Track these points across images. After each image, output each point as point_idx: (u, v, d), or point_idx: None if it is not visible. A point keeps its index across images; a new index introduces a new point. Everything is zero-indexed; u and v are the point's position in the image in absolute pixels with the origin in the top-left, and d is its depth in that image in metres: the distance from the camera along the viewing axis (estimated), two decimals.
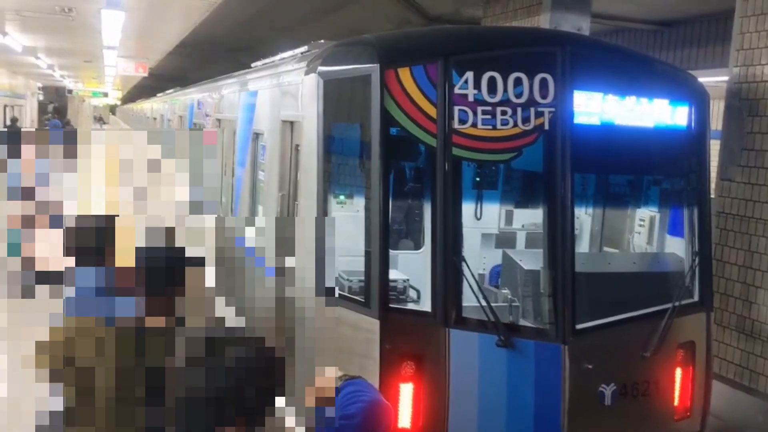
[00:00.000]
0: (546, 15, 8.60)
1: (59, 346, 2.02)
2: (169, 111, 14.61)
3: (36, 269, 3.36)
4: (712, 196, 5.58)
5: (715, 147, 5.76)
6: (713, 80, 12.17)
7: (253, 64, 7.90)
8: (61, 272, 2.98)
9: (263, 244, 1.97)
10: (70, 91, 38.24)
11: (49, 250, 3.34)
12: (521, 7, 9.02)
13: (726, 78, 6.57)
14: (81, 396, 1.90)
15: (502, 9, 9.42)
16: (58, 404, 2.05)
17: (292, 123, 5.39)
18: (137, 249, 2.05)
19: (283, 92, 5.75)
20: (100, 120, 51.02)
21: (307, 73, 4.95)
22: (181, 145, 2.38)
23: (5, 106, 27.44)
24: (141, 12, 11.56)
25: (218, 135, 3.72)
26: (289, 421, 1.81)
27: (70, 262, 2.57)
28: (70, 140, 2.83)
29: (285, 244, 2.00)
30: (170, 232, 2.15)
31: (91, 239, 2.15)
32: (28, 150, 3.51)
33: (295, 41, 16.35)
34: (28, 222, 3.45)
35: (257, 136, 6.55)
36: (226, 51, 19.80)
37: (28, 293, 3.49)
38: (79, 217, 2.24)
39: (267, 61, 7.32)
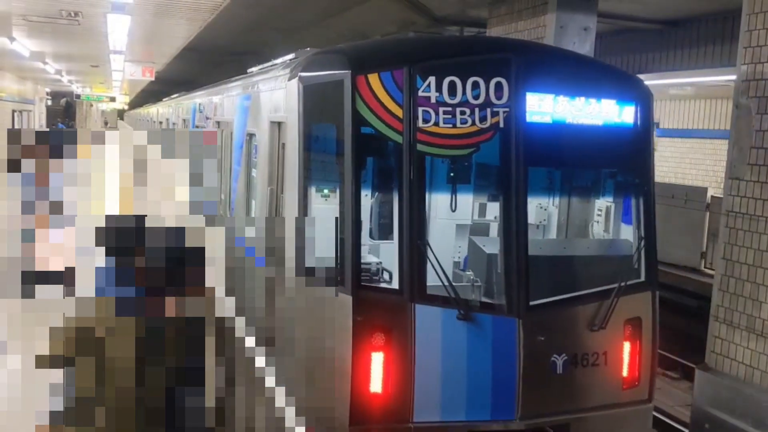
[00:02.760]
0: (552, 15, 8.57)
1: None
2: (173, 115, 15.18)
3: (36, 269, 3.35)
4: (719, 195, 5.74)
5: (723, 146, 5.76)
6: (721, 79, 12.13)
7: (249, 70, 8.30)
8: (61, 272, 2.99)
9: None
10: (78, 96, 38.40)
11: (50, 250, 3.34)
12: (526, 7, 8.99)
13: (734, 77, 6.52)
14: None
15: (507, 10, 9.38)
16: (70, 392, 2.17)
17: (279, 123, 5.88)
18: (152, 249, 2.19)
19: (272, 96, 6.21)
20: (107, 125, 51.25)
21: (290, 78, 5.53)
22: (181, 145, 2.46)
23: (14, 111, 27.57)
24: (146, 16, 11.58)
25: (218, 135, 3.90)
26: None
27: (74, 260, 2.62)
28: (69, 141, 2.85)
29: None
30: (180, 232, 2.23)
31: (131, 239, 2.25)
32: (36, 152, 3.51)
33: (300, 44, 16.33)
34: (38, 222, 3.45)
35: (251, 136, 7.07)
36: (232, 54, 19.83)
37: (28, 293, 3.47)
38: (118, 218, 2.33)
39: (261, 66, 7.77)
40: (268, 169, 6.11)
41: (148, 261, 2.09)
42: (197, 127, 10.55)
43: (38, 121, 33.91)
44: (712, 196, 12.75)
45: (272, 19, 14.04)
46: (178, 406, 2.06)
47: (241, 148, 7.46)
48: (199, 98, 11.50)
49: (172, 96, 19.20)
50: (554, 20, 8.54)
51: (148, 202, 2.43)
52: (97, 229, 2.19)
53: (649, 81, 14.30)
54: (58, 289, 3.10)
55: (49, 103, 38.23)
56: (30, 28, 13.50)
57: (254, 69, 8.07)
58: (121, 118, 55.39)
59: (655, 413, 8.46)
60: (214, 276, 2.20)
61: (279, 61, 7.04)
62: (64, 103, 36.58)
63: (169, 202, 2.45)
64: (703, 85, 14.12)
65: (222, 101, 9.10)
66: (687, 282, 12.55)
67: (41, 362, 2.16)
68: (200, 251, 2.15)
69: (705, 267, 12.52)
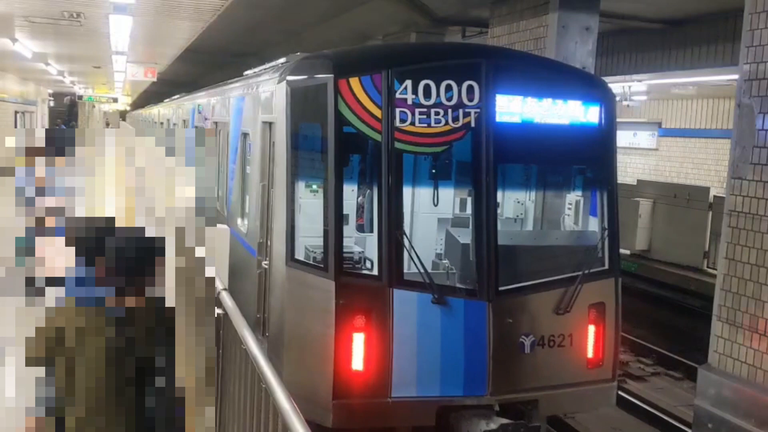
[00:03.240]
0: (554, 15, 8.56)
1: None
2: (174, 116, 15.52)
3: (45, 269, 3.39)
4: (722, 194, 5.79)
5: (726, 146, 5.78)
6: (723, 79, 12.12)
7: (245, 73, 8.61)
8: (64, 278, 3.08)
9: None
10: (80, 97, 38.40)
11: (56, 254, 3.36)
12: (528, 7, 8.98)
13: (736, 76, 6.51)
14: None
15: (509, 9, 9.38)
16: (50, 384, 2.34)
17: (270, 123, 6.21)
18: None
19: (263, 98, 6.58)
20: (108, 126, 51.31)
21: (279, 81, 5.90)
22: (179, 143, 2.57)
23: (16, 113, 27.60)
24: (148, 17, 11.59)
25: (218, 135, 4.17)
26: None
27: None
28: (69, 142, 2.88)
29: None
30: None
31: (97, 241, 2.44)
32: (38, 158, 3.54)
33: (302, 45, 16.39)
34: (40, 226, 3.47)
35: (245, 136, 7.42)
36: (233, 56, 19.84)
37: (39, 295, 3.49)
38: (87, 219, 2.48)
39: (255, 70, 8.11)
40: (260, 166, 6.45)
41: (109, 261, 2.30)
42: (196, 127, 11.02)
43: (40, 122, 33.96)
44: (714, 196, 12.75)
45: (273, 20, 14.04)
46: (147, 394, 2.29)
47: (237, 147, 7.81)
48: (198, 99, 11.79)
49: (173, 97, 19.62)
50: (556, 20, 8.54)
51: (149, 200, 2.54)
52: (67, 229, 2.39)
53: (652, 81, 14.34)
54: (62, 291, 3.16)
55: (52, 104, 38.28)
56: (32, 30, 13.51)
57: (249, 72, 8.36)
58: (123, 119, 55.45)
59: (658, 413, 8.48)
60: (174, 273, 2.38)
61: (271, 64, 7.37)
62: (68, 102, 36.63)
63: (172, 201, 2.55)
64: (705, 85, 14.11)
65: (219, 102, 9.43)
66: (690, 282, 12.54)
67: (29, 362, 2.35)
68: (162, 249, 2.34)
69: (708, 267, 12.51)
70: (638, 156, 19.25)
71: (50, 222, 3.55)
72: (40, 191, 3.17)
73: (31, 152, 3.63)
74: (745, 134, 6.18)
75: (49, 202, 3.52)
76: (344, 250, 5.40)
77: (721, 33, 10.59)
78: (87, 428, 2.27)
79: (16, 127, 26.16)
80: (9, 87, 26.40)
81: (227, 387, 3.91)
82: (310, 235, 5.66)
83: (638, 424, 8.45)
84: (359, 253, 5.88)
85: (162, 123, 18.92)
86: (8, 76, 25.73)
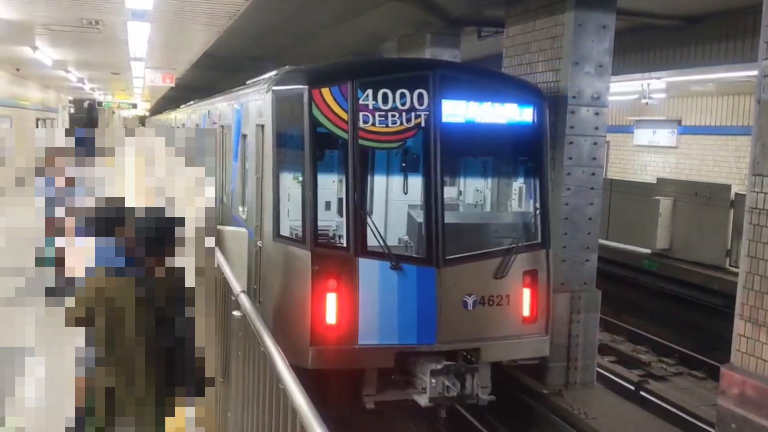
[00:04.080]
0: (570, 13, 8.51)
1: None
2: (188, 120, 16.62)
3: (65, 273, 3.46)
4: (743, 192, 5.79)
5: (747, 142, 5.72)
6: (743, 75, 11.98)
7: (246, 82, 9.62)
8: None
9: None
10: (99, 104, 38.78)
11: (76, 254, 3.43)
12: (543, 5, 8.94)
13: (755, 72, 6.43)
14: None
15: (524, 8, 9.34)
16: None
17: (261, 126, 7.38)
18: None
19: (256, 104, 7.69)
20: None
21: (267, 91, 7.12)
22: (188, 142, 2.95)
23: (37, 120, 27.95)
24: (166, 23, 11.68)
25: (219, 135, 6.59)
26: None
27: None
28: (91, 143, 3.00)
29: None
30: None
31: (113, 221, 2.84)
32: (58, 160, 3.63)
33: (315, 49, 16.43)
34: (59, 230, 3.55)
35: (244, 136, 8.50)
36: (250, 60, 19.94)
37: (59, 295, 3.56)
38: (107, 205, 2.88)
39: (253, 80, 9.14)
40: (255, 162, 7.58)
41: (131, 234, 2.74)
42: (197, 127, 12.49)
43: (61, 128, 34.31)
44: (735, 193, 12.60)
45: (288, 24, 14.12)
46: (177, 348, 2.75)
47: (238, 146, 8.90)
48: (208, 106, 13.07)
49: (189, 103, 20.52)
50: (572, 18, 8.48)
51: (170, 197, 2.87)
52: (87, 217, 2.80)
53: (670, 78, 14.21)
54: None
55: (72, 110, 38.69)
56: (52, 38, 13.68)
57: (249, 81, 9.33)
58: (143, 125, 55.96)
59: (681, 413, 8.40)
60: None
61: (264, 76, 8.30)
62: (86, 107, 37.01)
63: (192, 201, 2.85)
64: (725, 81, 13.96)
65: (224, 108, 10.61)
66: (712, 280, 12.40)
67: (70, 322, 2.76)
68: (174, 229, 2.78)
69: (730, 265, 12.36)
70: (658, 154, 19.07)
71: (70, 222, 3.61)
72: (70, 192, 3.33)
73: (51, 162, 3.70)
74: (765, 131, 6.09)
75: (69, 201, 3.58)
76: (319, 228, 6.67)
77: (740, 29, 10.47)
78: (121, 381, 2.73)
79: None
80: (30, 94, 26.74)
81: (246, 387, 3.93)
82: (293, 216, 6.96)
83: (661, 425, 8.37)
84: (333, 230, 7.21)
85: (178, 127, 19.98)
86: (29, 84, 26.06)
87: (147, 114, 54.22)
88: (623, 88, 15.09)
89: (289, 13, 12.99)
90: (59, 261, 3.23)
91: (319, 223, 6.72)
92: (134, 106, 41.72)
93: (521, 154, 7.46)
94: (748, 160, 6.51)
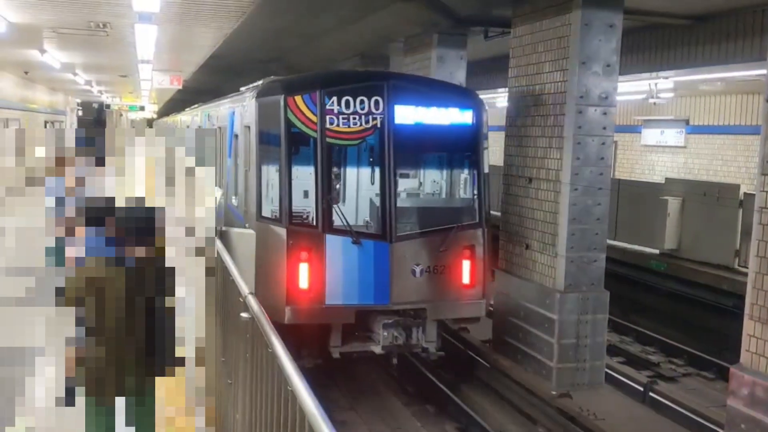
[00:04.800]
0: (577, 12, 8.49)
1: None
2: (192, 122, 17.99)
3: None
4: (752, 192, 5.69)
5: (756, 142, 5.65)
6: (752, 74, 11.91)
7: (240, 89, 10.81)
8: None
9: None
10: (107, 106, 38.91)
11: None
12: (551, 5, 8.92)
13: (764, 71, 6.39)
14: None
15: (532, 8, 9.32)
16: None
17: (248, 127, 8.67)
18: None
19: (245, 109, 8.99)
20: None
21: (252, 98, 8.48)
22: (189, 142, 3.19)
23: (46, 122, 28.08)
24: (173, 25, 11.71)
25: (216, 135, 6.13)
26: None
27: None
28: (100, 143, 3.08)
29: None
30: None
31: (103, 213, 3.13)
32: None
33: (322, 50, 16.40)
34: (69, 230, 3.58)
35: (236, 136, 9.72)
36: (257, 62, 19.97)
37: (69, 304, 3.57)
38: (91, 200, 3.14)
39: (245, 87, 10.22)
40: (244, 157, 8.94)
41: (119, 224, 3.08)
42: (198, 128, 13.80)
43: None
44: (744, 193, 12.52)
45: (294, 26, 14.13)
46: (157, 326, 3.09)
47: (231, 144, 10.10)
48: (209, 109, 14.55)
49: (193, 106, 21.44)
50: (579, 18, 8.47)
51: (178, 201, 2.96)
52: (77, 209, 3.11)
53: (678, 77, 14.14)
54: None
55: (80, 113, 38.84)
56: (60, 40, 13.73)
57: (242, 89, 10.45)
58: (150, 127, 56.17)
59: (690, 414, 8.35)
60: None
61: (253, 85, 9.53)
62: (95, 109, 37.18)
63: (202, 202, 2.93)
64: (734, 80, 13.89)
65: (221, 112, 11.86)
66: (721, 281, 12.33)
67: (67, 303, 3.08)
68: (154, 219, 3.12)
69: (739, 265, 12.29)
70: (666, 154, 19.00)
71: (80, 232, 3.64)
72: (80, 192, 3.43)
73: (61, 162, 3.74)
74: None
75: (79, 202, 3.62)
76: (294, 210, 8.05)
77: (748, 27, 10.42)
78: (108, 350, 3.10)
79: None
80: (39, 97, 26.86)
81: (254, 389, 3.93)
82: (273, 200, 8.25)
83: (670, 426, 8.33)
84: (306, 212, 8.30)
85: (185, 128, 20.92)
86: (37, 87, 26.19)
87: (155, 116, 54.40)
88: (631, 88, 15.03)
89: (295, 15, 13.01)
90: (60, 261, 3.32)
91: (294, 207, 8.10)
92: (142, 108, 41.85)
93: (462, 150, 8.86)
94: (757, 159, 6.48)
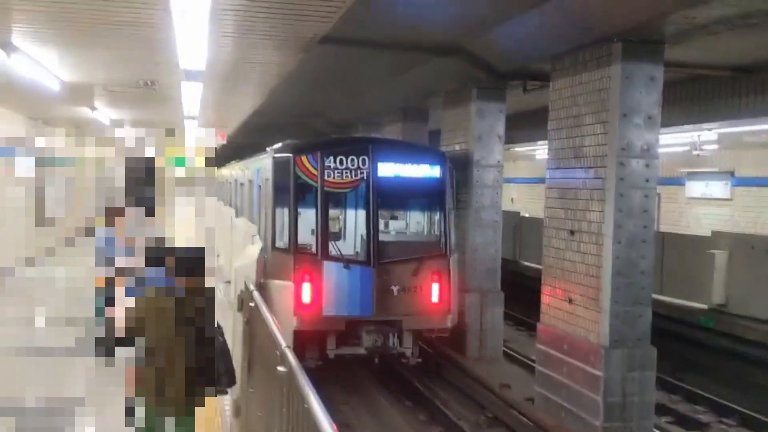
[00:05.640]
0: (617, 66, 8.48)
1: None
2: (229, 176, 20.61)
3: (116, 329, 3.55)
4: None
5: None
6: None
7: (266, 149, 12.41)
8: (132, 338, 3.48)
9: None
10: (154, 161, 39.86)
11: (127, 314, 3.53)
12: (590, 59, 8.93)
13: None
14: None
15: (571, 62, 9.35)
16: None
17: (267, 179, 10.92)
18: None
19: (265, 165, 11.30)
20: None
21: (269, 157, 10.77)
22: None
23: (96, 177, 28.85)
24: (217, 83, 12.06)
25: (247, 188, 13.83)
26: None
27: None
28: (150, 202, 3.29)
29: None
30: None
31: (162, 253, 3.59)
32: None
33: (362, 104, 16.65)
34: (111, 280, 3.66)
35: (259, 186, 12.14)
36: (298, 117, 20.37)
37: (110, 354, 3.64)
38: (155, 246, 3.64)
39: (269, 148, 11.82)
40: (264, 202, 11.12)
41: (178, 263, 3.53)
42: (241, 184, 16.06)
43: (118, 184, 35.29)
44: None
45: (335, 82, 14.45)
46: (207, 350, 3.58)
47: (257, 193, 12.44)
48: (242, 166, 17.08)
49: (231, 163, 23.55)
50: (619, 71, 8.45)
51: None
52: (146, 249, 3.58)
53: (722, 129, 13.93)
54: (132, 350, 3.41)
55: (129, 167, 39.86)
56: (110, 98, 14.25)
57: (268, 149, 12.17)
58: None
59: None
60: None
61: (272, 147, 11.33)
62: (143, 164, 38.26)
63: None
64: None
65: (249, 167, 14.39)
66: None
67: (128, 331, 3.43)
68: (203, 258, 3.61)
69: None
70: (712, 207, 18.61)
71: (120, 282, 3.72)
72: (130, 251, 3.60)
73: (111, 212, 3.89)
74: None
75: (119, 261, 3.72)
76: (299, 242, 9.97)
77: None
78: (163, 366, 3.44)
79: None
80: (88, 152, 27.70)
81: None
82: (284, 235, 10.19)
83: None
84: (308, 245, 10.09)
85: (223, 182, 24.10)
86: (87, 140, 27.03)
87: None
88: (674, 140, 14.85)
89: (335, 73, 13.30)
90: (109, 320, 3.44)
91: (300, 240, 10.03)
92: None
93: (431, 197, 10.92)
94: None
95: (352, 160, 9.97)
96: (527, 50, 10.14)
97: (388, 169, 10.15)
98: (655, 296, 9.91)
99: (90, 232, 3.81)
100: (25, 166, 4.36)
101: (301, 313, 9.58)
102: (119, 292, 3.73)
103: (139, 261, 3.57)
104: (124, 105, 15.63)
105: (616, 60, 8.47)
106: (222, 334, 5.08)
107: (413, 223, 11.80)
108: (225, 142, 22.44)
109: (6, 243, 4.22)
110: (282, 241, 10.13)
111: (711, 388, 12.03)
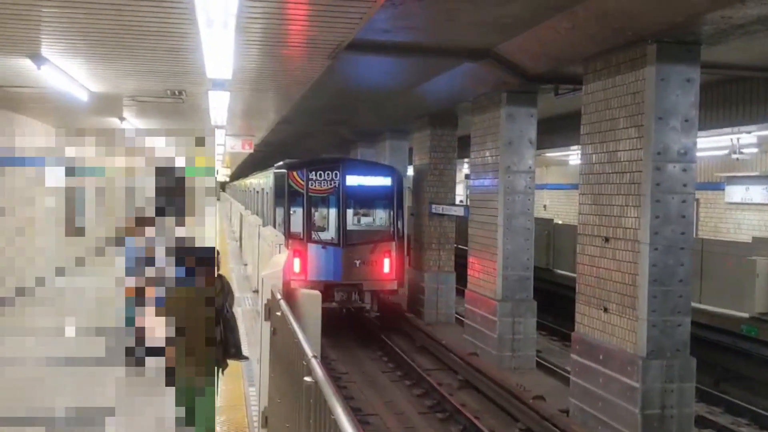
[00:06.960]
0: (651, 68, 8.25)
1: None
2: (251, 185, 25.86)
3: (146, 339, 3.56)
4: None
5: None
6: None
7: (275, 165, 17.17)
8: (162, 347, 3.55)
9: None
10: (183, 171, 40.27)
11: (155, 323, 3.50)
12: (624, 61, 8.70)
13: None
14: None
15: (604, 64, 9.11)
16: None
17: (271, 188, 16.88)
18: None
19: (268, 178, 17.43)
20: None
21: (272, 172, 17.11)
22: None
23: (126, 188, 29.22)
24: (244, 91, 12.03)
25: (261, 193, 21.36)
26: None
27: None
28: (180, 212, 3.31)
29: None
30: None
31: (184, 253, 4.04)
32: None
33: (387, 111, 16.66)
34: (140, 290, 3.63)
35: (266, 193, 17.42)
36: (324, 124, 20.34)
37: (139, 365, 3.58)
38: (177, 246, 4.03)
39: (275, 164, 16.79)
40: (268, 204, 16.78)
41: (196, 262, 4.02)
42: (257, 192, 22.49)
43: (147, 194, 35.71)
44: None
45: (361, 91, 14.45)
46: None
47: (267, 198, 17.09)
48: (259, 177, 22.74)
49: (254, 173, 28.43)
50: (654, 73, 8.21)
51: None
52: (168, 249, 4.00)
53: (762, 132, 13.49)
54: (161, 360, 3.41)
55: (157, 177, 40.32)
56: (138, 108, 14.32)
57: (276, 165, 16.86)
58: (224, 190, 57.85)
59: None
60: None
61: (277, 164, 16.28)
62: (172, 174, 38.83)
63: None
64: None
65: (262, 178, 20.06)
66: None
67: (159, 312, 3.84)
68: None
69: None
70: (752, 212, 18.11)
71: (150, 292, 3.67)
72: (150, 261, 3.58)
73: (141, 222, 3.88)
74: None
75: (149, 272, 3.67)
76: (291, 231, 14.66)
77: None
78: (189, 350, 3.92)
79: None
80: (117, 163, 28.04)
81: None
82: (280, 226, 14.53)
83: None
84: (299, 232, 14.71)
85: (246, 191, 29.56)
86: (117, 150, 27.36)
87: (227, 179, 56.05)
88: (712, 144, 14.46)
89: (363, 82, 13.21)
90: (139, 330, 3.46)
91: (292, 229, 14.81)
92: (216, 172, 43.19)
93: (384, 199, 15.68)
94: None
95: (328, 173, 15.11)
96: (558, 53, 9.92)
97: (353, 180, 15.26)
98: (694, 305, 9.59)
99: (120, 242, 3.79)
100: (55, 176, 4.25)
101: (293, 279, 12.80)
102: (149, 302, 3.72)
103: (169, 262, 3.96)
104: (152, 115, 15.71)
105: (651, 61, 8.23)
106: (233, 316, 6.69)
107: (372, 217, 16.21)
108: (252, 150, 22.46)
109: (37, 253, 4.20)
110: (280, 230, 14.76)
111: (754, 399, 11.62)
